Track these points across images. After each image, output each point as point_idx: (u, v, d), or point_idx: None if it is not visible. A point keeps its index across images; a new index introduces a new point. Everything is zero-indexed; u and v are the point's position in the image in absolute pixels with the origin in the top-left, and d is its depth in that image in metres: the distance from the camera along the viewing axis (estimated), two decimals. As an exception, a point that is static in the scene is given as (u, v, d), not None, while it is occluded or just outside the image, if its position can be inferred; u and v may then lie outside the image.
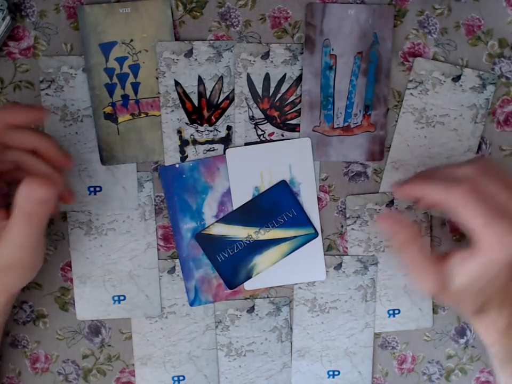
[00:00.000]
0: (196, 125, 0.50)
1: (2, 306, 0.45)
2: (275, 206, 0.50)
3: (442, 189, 0.41)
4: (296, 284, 0.52)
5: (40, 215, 0.41)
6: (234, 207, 0.50)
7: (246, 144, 0.50)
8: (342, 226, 0.52)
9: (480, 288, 0.42)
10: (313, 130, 0.50)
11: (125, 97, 0.49)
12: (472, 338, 0.53)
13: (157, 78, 0.49)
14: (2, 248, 0.41)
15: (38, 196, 0.39)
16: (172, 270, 0.51)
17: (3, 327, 0.47)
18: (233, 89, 0.50)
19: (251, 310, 0.52)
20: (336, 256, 0.52)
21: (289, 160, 0.50)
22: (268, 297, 0.52)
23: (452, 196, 0.40)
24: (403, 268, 0.46)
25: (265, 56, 0.49)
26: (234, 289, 0.51)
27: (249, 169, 0.50)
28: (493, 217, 0.39)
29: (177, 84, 0.49)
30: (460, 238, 0.52)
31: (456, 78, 0.50)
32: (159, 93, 0.49)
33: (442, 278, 0.42)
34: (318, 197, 0.51)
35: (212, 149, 0.50)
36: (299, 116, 0.50)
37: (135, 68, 0.49)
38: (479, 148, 0.52)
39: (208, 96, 0.50)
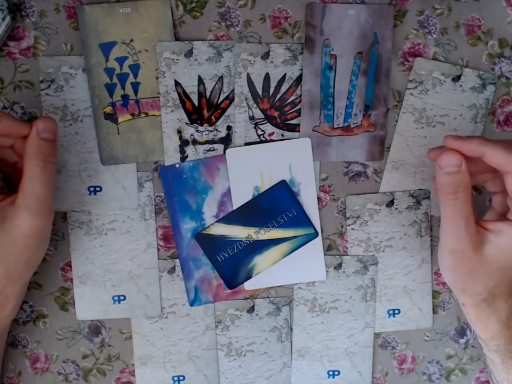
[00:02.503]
0: (196, 125, 0.50)
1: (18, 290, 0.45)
2: (275, 206, 0.50)
3: (503, 152, 0.40)
4: (296, 284, 0.52)
5: (51, 155, 0.43)
6: (234, 207, 0.50)
7: (246, 144, 0.50)
8: (342, 226, 0.52)
9: (501, 267, 0.42)
10: (313, 130, 0.50)
11: (125, 97, 0.49)
12: (472, 338, 0.53)
13: (157, 78, 0.49)
14: (26, 196, 0.42)
15: (48, 128, 0.42)
16: (172, 270, 0.51)
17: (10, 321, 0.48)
18: (233, 89, 0.50)
19: (251, 310, 0.52)
20: (336, 256, 0.52)
21: (289, 160, 0.50)
22: (268, 297, 0.52)
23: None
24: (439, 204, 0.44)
25: (265, 56, 0.49)
26: (234, 289, 0.51)
27: (249, 169, 0.50)
28: None
29: (177, 84, 0.49)
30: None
31: (456, 78, 0.50)
32: (159, 93, 0.49)
33: (478, 239, 0.42)
34: (318, 197, 0.51)
35: (212, 149, 0.50)
36: (299, 116, 0.50)
37: (135, 68, 0.49)
38: (479, 147, 0.52)
39: (208, 96, 0.50)
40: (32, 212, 0.42)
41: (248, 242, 0.50)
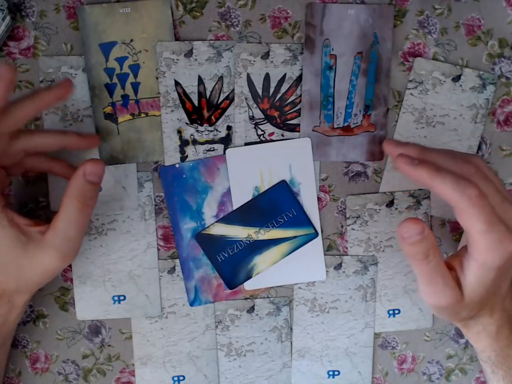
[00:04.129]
0: (196, 125, 0.50)
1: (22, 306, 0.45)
2: (275, 206, 0.50)
3: (451, 187, 0.40)
4: (296, 283, 0.52)
5: (91, 198, 0.42)
6: (234, 207, 0.50)
7: (246, 144, 0.50)
8: (342, 226, 0.52)
9: (480, 295, 0.42)
10: (313, 130, 0.50)
11: (125, 97, 0.49)
12: (472, 338, 0.53)
13: (157, 78, 0.49)
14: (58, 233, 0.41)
15: (96, 171, 0.41)
16: (172, 270, 0.51)
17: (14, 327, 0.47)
18: (233, 89, 0.50)
19: (251, 310, 0.52)
20: (336, 256, 0.52)
21: (289, 160, 0.50)
22: (268, 297, 0.52)
23: (460, 197, 0.39)
24: (417, 282, 0.42)
25: (265, 56, 0.49)
26: (234, 289, 0.51)
27: (249, 169, 0.50)
28: (492, 224, 0.39)
29: (177, 84, 0.49)
30: (460, 238, 0.52)
31: (456, 78, 0.50)
32: (159, 93, 0.49)
33: (456, 290, 0.41)
34: (318, 197, 0.51)
35: (212, 149, 0.50)
36: (299, 116, 0.50)
37: (135, 68, 0.49)
38: (479, 147, 0.52)
39: (208, 96, 0.50)
40: (58, 252, 0.41)
41: (248, 242, 0.50)
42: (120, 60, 0.48)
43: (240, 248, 0.50)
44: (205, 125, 0.50)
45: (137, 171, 0.50)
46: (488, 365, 0.46)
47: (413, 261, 0.41)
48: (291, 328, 0.52)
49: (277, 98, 0.50)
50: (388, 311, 0.52)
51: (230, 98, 0.50)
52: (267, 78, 0.50)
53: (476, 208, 0.39)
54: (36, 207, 0.50)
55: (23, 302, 0.44)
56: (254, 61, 0.49)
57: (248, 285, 0.51)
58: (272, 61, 0.49)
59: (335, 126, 0.50)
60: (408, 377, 0.54)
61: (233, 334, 0.52)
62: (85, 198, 0.41)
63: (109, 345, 0.51)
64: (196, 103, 0.50)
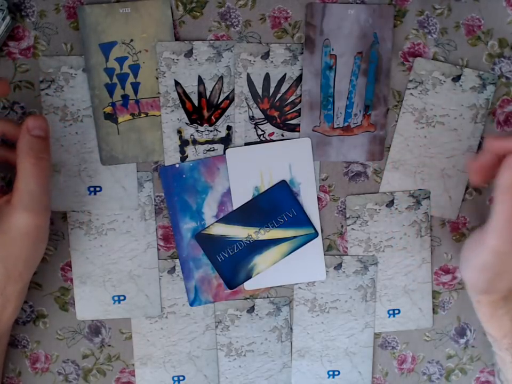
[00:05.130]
0: (196, 125, 0.50)
1: (17, 294, 0.45)
2: (275, 206, 0.50)
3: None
4: (296, 284, 0.52)
5: (43, 151, 0.42)
6: (234, 207, 0.50)
7: (246, 144, 0.50)
8: (342, 226, 0.52)
9: None
10: (313, 130, 0.50)
11: (125, 97, 0.49)
12: (472, 338, 0.53)
13: (157, 78, 0.49)
14: (21, 197, 0.42)
15: (39, 125, 0.42)
16: (172, 270, 0.51)
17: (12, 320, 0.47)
18: (233, 89, 0.50)
19: (251, 310, 0.52)
20: (336, 256, 0.52)
21: (289, 160, 0.50)
22: (268, 297, 0.52)
23: None
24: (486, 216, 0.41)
25: (265, 56, 0.49)
26: (234, 289, 0.51)
27: (249, 169, 0.50)
28: None
29: (177, 84, 0.49)
30: (460, 238, 0.52)
31: (456, 78, 0.50)
32: (159, 93, 0.49)
33: None
34: (318, 197, 0.51)
35: (212, 149, 0.50)
36: (299, 116, 0.50)
37: (135, 68, 0.49)
38: (479, 147, 0.52)
39: (208, 96, 0.50)
40: (27, 209, 0.42)
41: (248, 242, 0.50)
42: (120, 60, 0.48)
43: (240, 248, 0.50)
44: (205, 125, 0.50)
45: (137, 171, 0.50)
46: (509, 352, 0.45)
47: (502, 195, 0.40)
48: (291, 328, 0.52)
49: (277, 98, 0.50)
50: (388, 311, 0.52)
51: (230, 98, 0.50)
52: (267, 78, 0.50)
53: None
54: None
55: (16, 292, 0.44)
56: (254, 61, 0.49)
57: (248, 285, 0.51)
58: (272, 61, 0.49)
59: (335, 126, 0.50)
60: (408, 377, 0.54)
61: (233, 334, 0.52)
62: (35, 151, 0.42)
63: (109, 345, 0.51)
64: (196, 103, 0.50)
